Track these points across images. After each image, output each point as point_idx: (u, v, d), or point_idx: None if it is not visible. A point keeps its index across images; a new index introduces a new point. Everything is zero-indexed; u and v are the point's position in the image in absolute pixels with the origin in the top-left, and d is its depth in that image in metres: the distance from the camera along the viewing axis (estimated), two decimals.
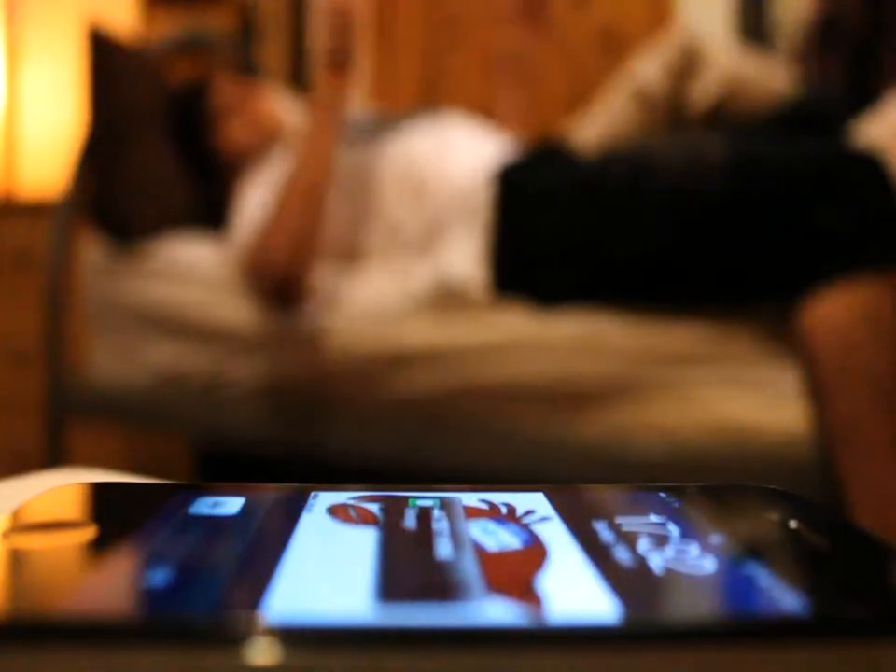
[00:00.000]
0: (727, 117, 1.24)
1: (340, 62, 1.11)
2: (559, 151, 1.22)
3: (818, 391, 0.90)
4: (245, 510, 0.19)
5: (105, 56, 1.36)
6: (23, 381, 1.80)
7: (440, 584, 0.15)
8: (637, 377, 1.00)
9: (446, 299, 1.09)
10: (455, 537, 0.17)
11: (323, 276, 1.16)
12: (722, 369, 0.98)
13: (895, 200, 0.94)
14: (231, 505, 0.19)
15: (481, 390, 1.05)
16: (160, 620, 0.13)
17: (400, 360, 1.08)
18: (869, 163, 0.96)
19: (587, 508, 0.20)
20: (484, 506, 0.20)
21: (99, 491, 0.21)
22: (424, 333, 1.09)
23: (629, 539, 0.17)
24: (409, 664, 0.13)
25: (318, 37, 1.16)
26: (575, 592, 0.15)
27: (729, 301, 1.01)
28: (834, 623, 0.14)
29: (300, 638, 0.13)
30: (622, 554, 0.16)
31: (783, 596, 0.14)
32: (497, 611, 0.14)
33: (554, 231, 1.08)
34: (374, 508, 0.19)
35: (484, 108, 1.68)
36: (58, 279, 1.39)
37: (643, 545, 0.17)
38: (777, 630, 0.13)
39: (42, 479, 0.31)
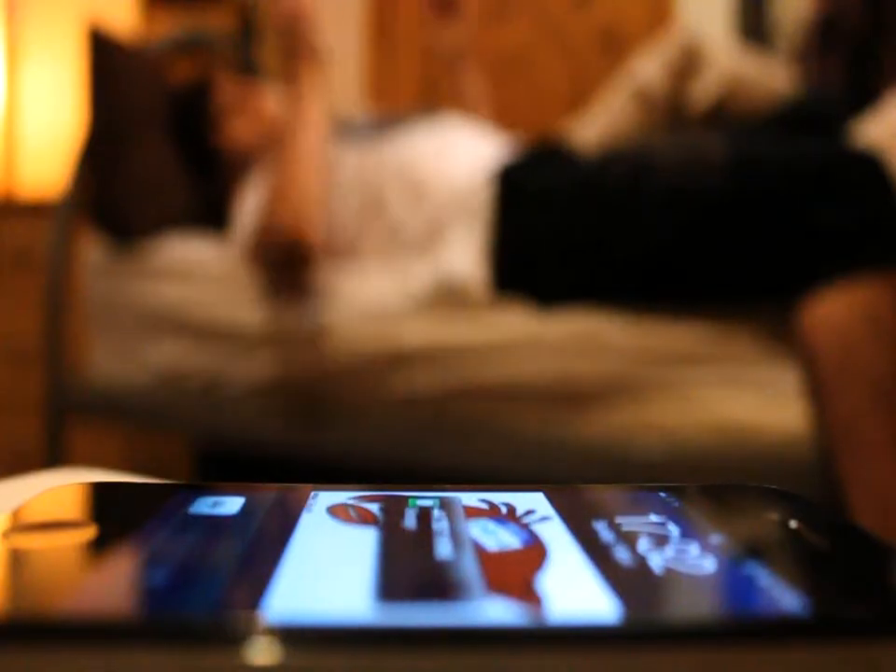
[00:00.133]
0: (727, 117, 1.24)
1: (302, 55, 1.16)
2: (559, 151, 1.22)
3: (817, 391, 0.90)
4: (244, 510, 0.19)
5: (105, 56, 1.36)
6: (23, 381, 1.80)
7: (440, 584, 0.15)
8: (636, 377, 1.00)
9: (446, 298, 1.09)
10: (455, 537, 0.17)
11: (324, 272, 1.16)
12: (722, 369, 0.98)
13: (895, 200, 0.94)
14: (231, 505, 0.19)
15: (481, 390, 1.05)
16: (160, 620, 0.13)
17: (400, 360, 1.08)
18: (869, 163, 0.96)
19: (587, 508, 0.20)
20: (484, 506, 0.20)
21: (99, 491, 0.21)
22: (424, 333, 1.09)
23: (629, 539, 0.17)
24: (409, 664, 0.13)
25: (272, 41, 1.23)
26: (575, 592, 0.15)
27: (729, 301, 1.01)
28: (834, 622, 0.14)
29: (300, 638, 0.13)
30: (622, 554, 0.16)
31: (783, 596, 0.14)
32: (497, 611, 0.14)
33: (554, 230, 1.08)
34: (374, 508, 0.19)
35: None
36: (58, 279, 1.39)
37: (643, 545, 0.17)
38: (777, 630, 0.13)
39: (42, 479, 0.31)
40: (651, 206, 1.02)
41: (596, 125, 1.34)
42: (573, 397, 1.02)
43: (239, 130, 1.35)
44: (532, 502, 0.20)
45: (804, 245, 0.95)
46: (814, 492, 0.88)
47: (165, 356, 1.24)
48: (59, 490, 0.20)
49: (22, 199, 1.98)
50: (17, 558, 0.16)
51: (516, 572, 0.16)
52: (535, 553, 0.17)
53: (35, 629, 0.13)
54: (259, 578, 0.15)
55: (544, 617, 0.14)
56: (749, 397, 0.96)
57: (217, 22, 1.95)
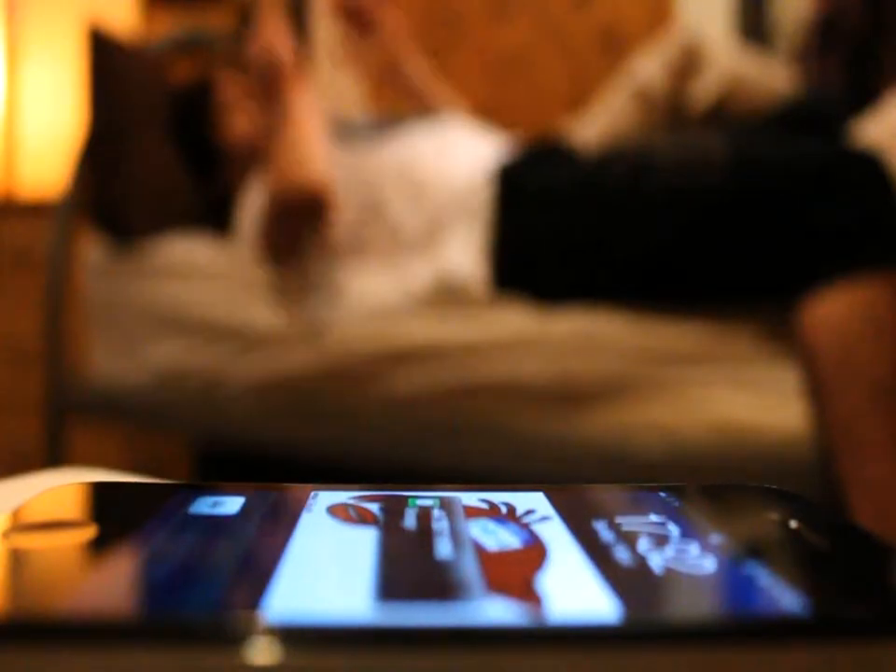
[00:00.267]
0: (727, 116, 1.24)
1: (286, 83, 1.17)
2: (559, 150, 1.22)
3: (817, 390, 0.90)
4: (244, 509, 0.19)
5: (105, 56, 1.36)
6: (23, 381, 1.80)
7: (439, 584, 0.15)
8: (636, 376, 1.00)
9: (446, 297, 1.09)
10: (455, 536, 0.17)
11: (324, 272, 1.16)
12: (722, 368, 0.98)
13: (895, 200, 0.94)
14: (231, 505, 0.19)
15: (480, 388, 1.05)
16: (160, 620, 0.13)
17: (401, 358, 1.08)
18: (869, 163, 0.96)
19: (587, 507, 0.20)
20: (484, 505, 0.20)
21: (99, 491, 0.21)
22: (424, 331, 1.09)
23: (629, 539, 0.17)
24: (409, 663, 0.13)
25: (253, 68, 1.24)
26: (575, 591, 0.15)
27: (729, 301, 1.01)
28: (834, 622, 0.14)
29: (300, 638, 0.13)
30: (622, 554, 0.16)
31: (783, 596, 0.14)
32: (496, 611, 0.14)
33: (554, 229, 1.08)
34: (374, 507, 0.19)
35: (484, 108, 1.67)
36: (58, 279, 1.39)
37: (643, 545, 0.17)
38: (777, 630, 0.13)
39: (42, 479, 0.31)
40: (651, 206, 1.02)
41: (596, 125, 1.34)
42: (573, 396, 1.02)
43: (242, 127, 1.35)
44: (532, 502, 0.20)
45: (804, 244, 0.95)
46: (814, 492, 0.88)
47: (165, 355, 1.24)
48: (59, 490, 0.20)
49: (22, 199, 1.98)
50: (17, 558, 0.16)
51: (516, 572, 0.16)
52: (535, 552, 0.17)
53: (35, 629, 0.13)
54: (259, 578, 0.15)
55: (544, 617, 0.14)
56: (749, 397, 0.96)
57: (217, 22, 1.95)
